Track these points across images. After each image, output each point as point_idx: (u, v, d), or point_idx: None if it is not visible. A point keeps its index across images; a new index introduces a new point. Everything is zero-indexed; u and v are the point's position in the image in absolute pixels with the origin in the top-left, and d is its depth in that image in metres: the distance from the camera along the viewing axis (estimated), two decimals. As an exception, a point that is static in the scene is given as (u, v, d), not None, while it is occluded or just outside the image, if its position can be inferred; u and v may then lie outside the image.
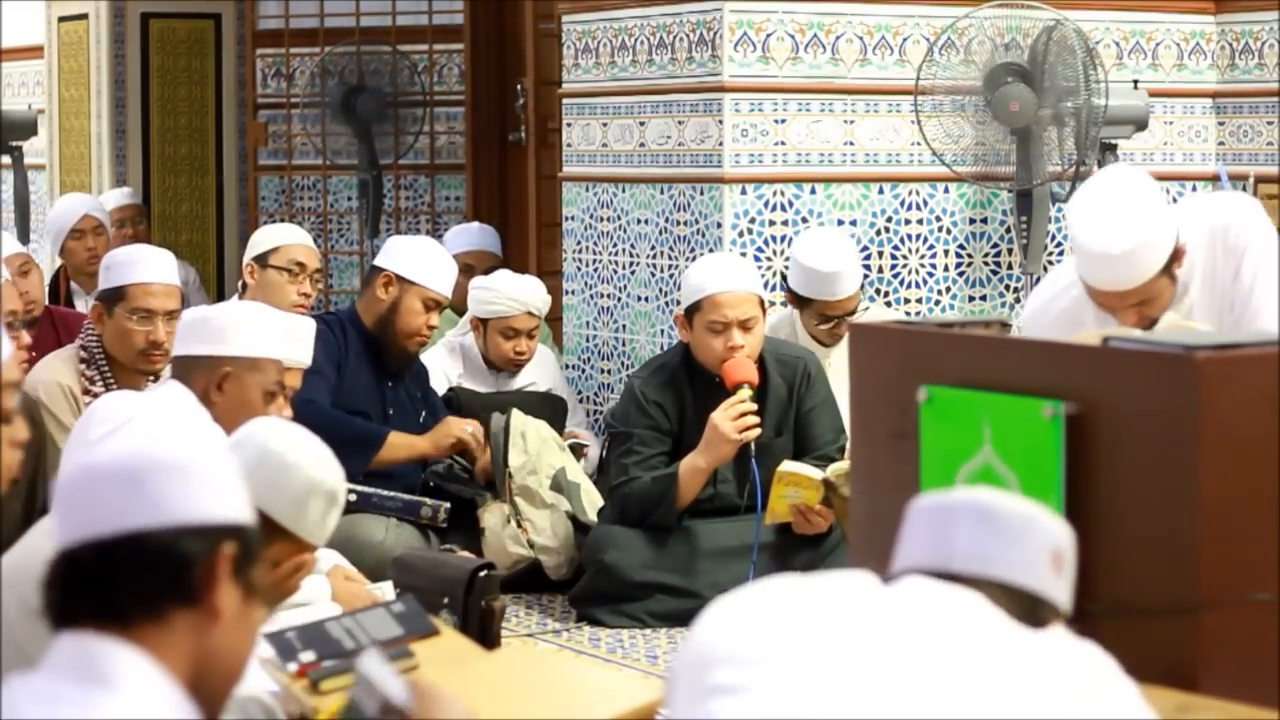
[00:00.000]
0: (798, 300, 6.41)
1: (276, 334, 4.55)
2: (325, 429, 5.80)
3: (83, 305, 7.70)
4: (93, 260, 8.02)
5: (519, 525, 6.11)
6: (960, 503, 2.47)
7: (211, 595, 2.26)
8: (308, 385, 5.27)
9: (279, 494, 3.27)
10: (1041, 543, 2.43)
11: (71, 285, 8.12)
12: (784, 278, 6.59)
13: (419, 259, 6.28)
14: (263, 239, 6.77)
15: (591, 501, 6.15)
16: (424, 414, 6.31)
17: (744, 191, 6.84)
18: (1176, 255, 4.39)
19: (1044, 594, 2.42)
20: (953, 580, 2.41)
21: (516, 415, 6.22)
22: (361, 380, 6.20)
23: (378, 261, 6.38)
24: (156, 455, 2.29)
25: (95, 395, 5.29)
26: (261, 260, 6.64)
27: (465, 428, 6.22)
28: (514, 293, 6.77)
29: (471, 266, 7.49)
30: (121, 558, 2.24)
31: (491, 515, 6.12)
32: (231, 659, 2.30)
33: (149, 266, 5.52)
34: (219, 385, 4.38)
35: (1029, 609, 2.40)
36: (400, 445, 6.15)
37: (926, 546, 2.46)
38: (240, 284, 6.78)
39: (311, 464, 3.30)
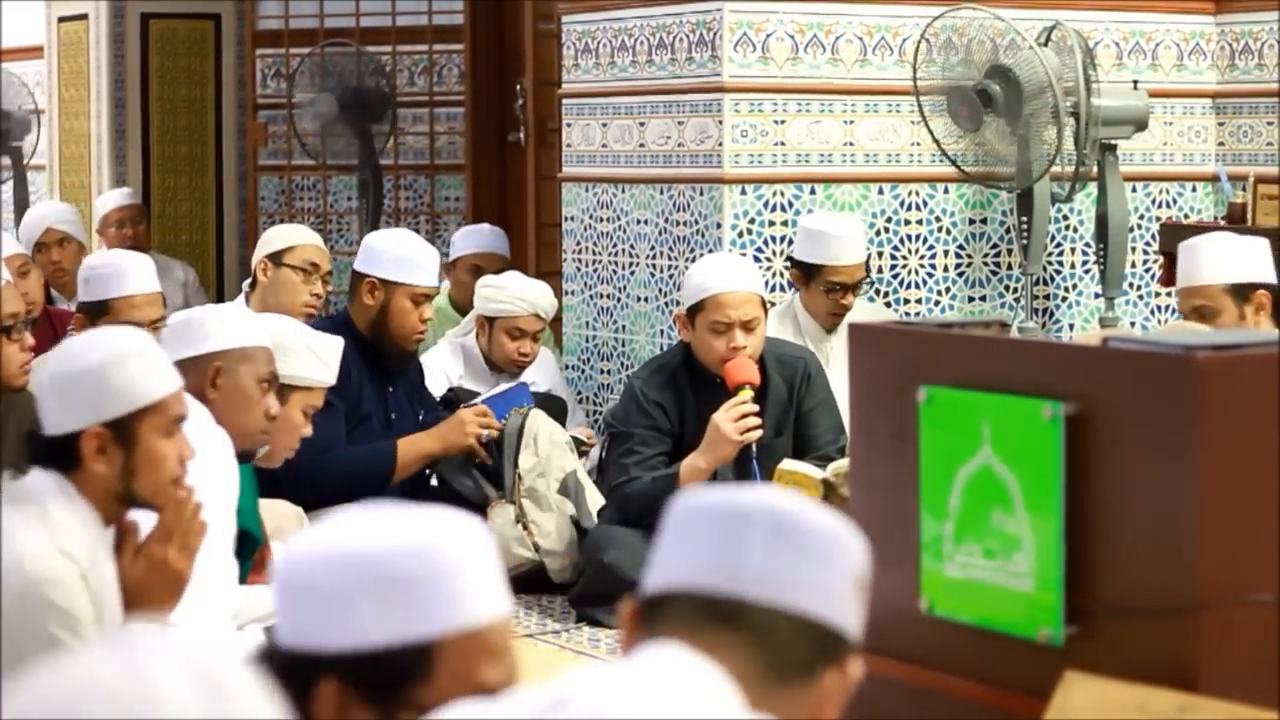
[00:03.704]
0: (804, 273, 6.41)
1: (258, 322, 4.58)
2: (341, 473, 5.80)
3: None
4: (58, 273, 8.03)
5: (525, 528, 6.10)
6: (755, 511, 2.13)
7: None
8: (322, 426, 5.12)
9: (104, 397, 3.31)
10: (846, 567, 2.15)
11: (53, 292, 8.11)
12: (789, 260, 6.57)
13: (396, 257, 6.09)
14: (276, 237, 6.76)
15: (596, 503, 6.14)
16: (421, 413, 6.27)
17: (744, 192, 6.84)
18: None
19: (840, 625, 2.13)
20: (739, 610, 2.09)
21: (532, 416, 6.20)
22: (365, 388, 6.11)
23: (357, 266, 6.17)
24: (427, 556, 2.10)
25: None
26: (276, 258, 6.62)
27: (478, 430, 6.10)
28: (523, 293, 6.77)
29: (480, 268, 7.48)
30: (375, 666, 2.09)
31: (499, 516, 6.10)
32: None
33: (131, 278, 5.56)
34: (213, 382, 4.39)
35: (821, 645, 2.12)
36: (410, 454, 6.04)
37: (712, 562, 2.12)
38: (249, 281, 6.76)
39: (107, 349, 3.34)
